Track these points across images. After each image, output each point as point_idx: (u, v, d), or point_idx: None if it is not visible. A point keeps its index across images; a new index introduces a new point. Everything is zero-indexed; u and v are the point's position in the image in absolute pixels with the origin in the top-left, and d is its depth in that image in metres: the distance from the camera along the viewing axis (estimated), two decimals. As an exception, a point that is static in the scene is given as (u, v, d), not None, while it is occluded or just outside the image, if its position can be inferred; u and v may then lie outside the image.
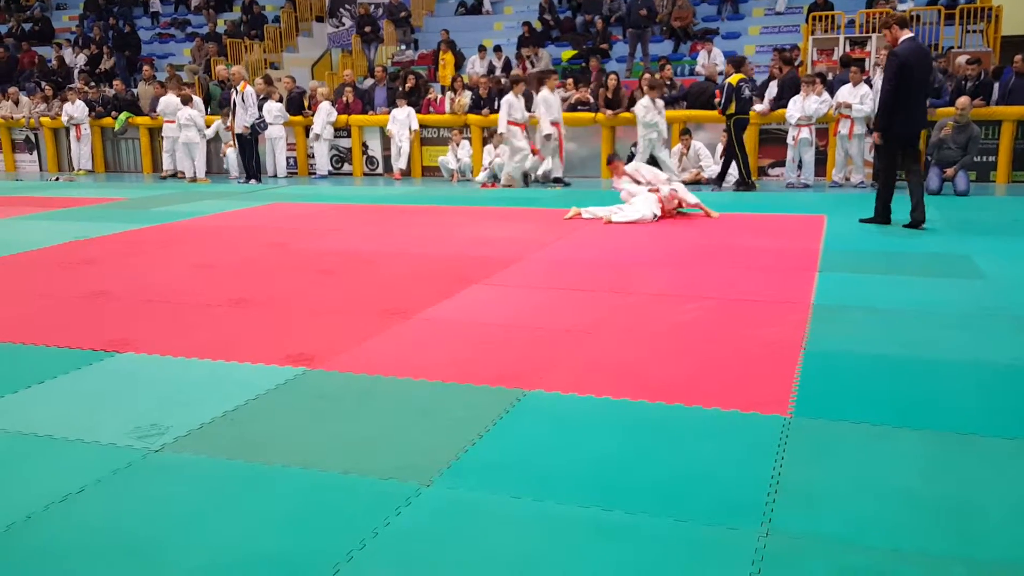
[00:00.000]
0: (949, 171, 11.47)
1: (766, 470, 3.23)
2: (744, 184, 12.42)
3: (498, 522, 2.91)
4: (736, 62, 12.78)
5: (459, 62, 18.81)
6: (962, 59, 13.32)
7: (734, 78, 12.24)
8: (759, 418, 3.74)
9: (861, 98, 12.20)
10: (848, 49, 15.60)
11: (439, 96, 15.81)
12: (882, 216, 8.95)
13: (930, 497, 3.02)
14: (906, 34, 8.69)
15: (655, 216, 9.29)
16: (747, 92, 12.31)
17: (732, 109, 12.20)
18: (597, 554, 2.68)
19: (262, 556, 2.70)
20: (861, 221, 9.06)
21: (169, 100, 16.12)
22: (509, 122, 13.10)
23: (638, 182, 9.90)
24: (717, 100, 12.82)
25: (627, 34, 18.07)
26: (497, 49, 18.15)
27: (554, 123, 13.26)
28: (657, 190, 9.57)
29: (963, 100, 11.51)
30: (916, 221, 8.65)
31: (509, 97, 13.18)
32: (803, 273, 6.59)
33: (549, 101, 13.18)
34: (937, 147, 11.70)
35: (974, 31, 16.59)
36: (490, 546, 2.75)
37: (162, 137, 16.34)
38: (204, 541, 2.81)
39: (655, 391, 4.07)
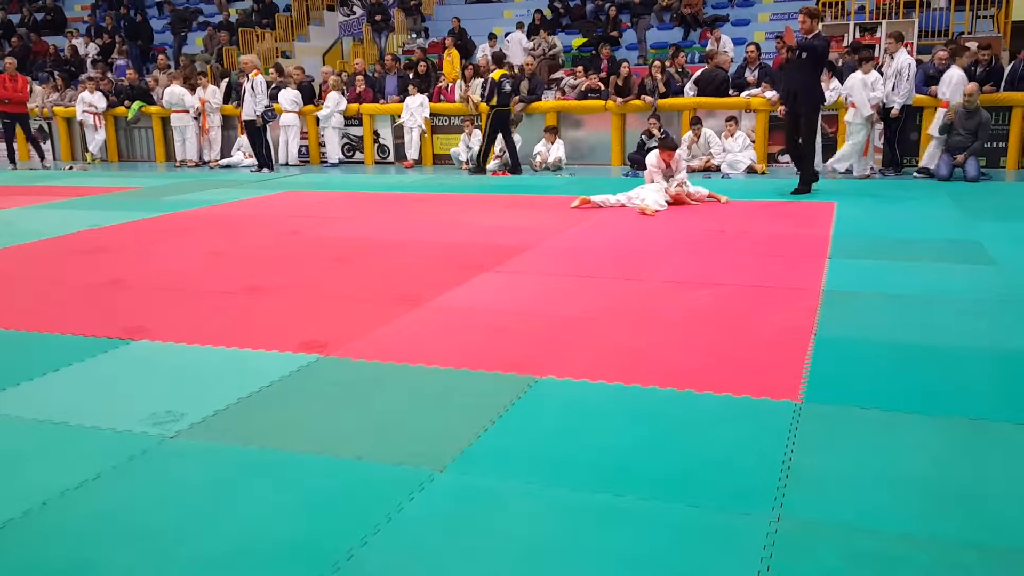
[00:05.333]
0: (959, 157, 11.41)
1: (777, 456, 3.24)
2: (480, 169, 13.86)
3: (510, 508, 2.93)
4: (497, 58, 14.31)
5: (470, 52, 18.81)
6: (973, 45, 13.23)
7: (496, 73, 13.53)
8: (770, 404, 3.75)
9: (872, 84, 12.14)
10: (858, 35, 15.52)
11: (449, 84, 15.77)
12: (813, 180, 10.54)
13: (941, 483, 3.03)
14: (820, 27, 10.32)
15: (661, 207, 9.33)
16: (507, 87, 13.54)
17: (495, 101, 13.41)
18: (609, 539, 2.70)
19: (277, 542, 2.73)
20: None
21: (173, 90, 16.17)
22: (852, 104, 12.08)
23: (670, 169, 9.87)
24: (481, 94, 14.35)
25: (618, 21, 18.04)
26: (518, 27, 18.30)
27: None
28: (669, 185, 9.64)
29: (971, 86, 11.43)
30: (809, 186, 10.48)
31: (861, 75, 12.05)
32: (813, 259, 6.58)
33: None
34: (946, 133, 11.63)
35: (984, 16, 16.49)
36: (502, 532, 2.78)
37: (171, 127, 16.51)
38: (218, 527, 2.84)
39: (666, 377, 4.08)
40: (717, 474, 3.12)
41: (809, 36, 10.13)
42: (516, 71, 15.30)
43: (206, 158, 16.50)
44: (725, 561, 2.57)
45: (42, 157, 16.64)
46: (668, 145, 9.99)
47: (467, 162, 14.66)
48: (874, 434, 3.43)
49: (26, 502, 3.01)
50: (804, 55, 10.18)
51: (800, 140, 10.53)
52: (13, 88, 15.83)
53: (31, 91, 17.25)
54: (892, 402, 3.74)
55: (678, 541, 2.69)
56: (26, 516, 2.92)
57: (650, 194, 9.41)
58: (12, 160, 16.39)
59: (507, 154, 13.99)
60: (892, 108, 11.95)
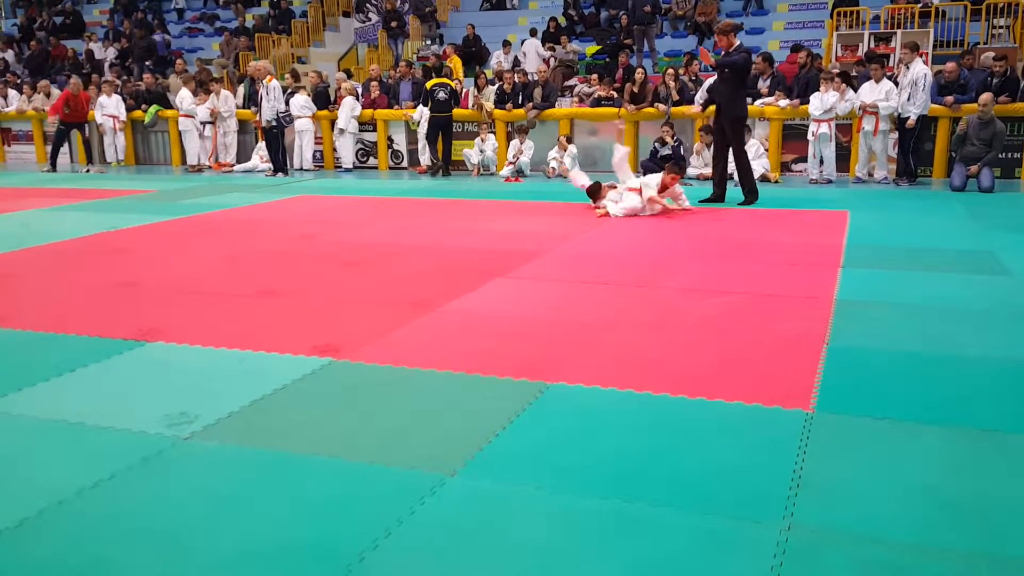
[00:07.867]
0: (973, 168, 11.37)
1: (788, 464, 3.24)
2: (439, 170, 14.71)
3: (521, 513, 2.94)
4: (436, 68, 15.81)
5: (484, 59, 18.84)
6: (988, 55, 13.20)
7: (429, 83, 14.73)
8: (781, 413, 3.75)
9: (886, 94, 12.13)
10: (873, 45, 15.50)
11: (464, 90, 15.83)
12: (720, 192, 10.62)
13: (952, 493, 3.03)
14: (738, 41, 10.44)
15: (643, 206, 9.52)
16: (441, 95, 14.49)
17: (428, 107, 14.61)
18: (619, 546, 2.71)
19: (289, 544, 2.75)
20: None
21: (184, 95, 16.25)
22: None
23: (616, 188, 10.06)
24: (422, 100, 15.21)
25: (632, 30, 18.00)
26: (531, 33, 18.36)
27: None
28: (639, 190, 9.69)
29: (986, 96, 11.39)
30: (755, 194, 10.54)
31: None
32: (826, 268, 6.58)
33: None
34: (960, 143, 11.59)
35: (1000, 27, 16.42)
36: (513, 536, 2.79)
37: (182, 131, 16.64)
38: (232, 528, 2.86)
39: (678, 385, 4.09)
40: (728, 482, 3.12)
41: (730, 51, 10.28)
42: (528, 79, 15.35)
43: (222, 160, 16.56)
44: (735, 569, 2.58)
45: (90, 160, 16.81)
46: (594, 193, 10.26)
47: (478, 167, 14.71)
48: (885, 443, 3.43)
49: (42, 501, 3.04)
50: (727, 70, 10.33)
51: (732, 153, 10.65)
52: (75, 105, 16.24)
53: (49, 95, 17.36)
54: (904, 412, 3.74)
55: (688, 548, 2.69)
56: (41, 515, 2.95)
57: (629, 199, 9.59)
58: (54, 163, 16.47)
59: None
60: (908, 118, 11.93)
